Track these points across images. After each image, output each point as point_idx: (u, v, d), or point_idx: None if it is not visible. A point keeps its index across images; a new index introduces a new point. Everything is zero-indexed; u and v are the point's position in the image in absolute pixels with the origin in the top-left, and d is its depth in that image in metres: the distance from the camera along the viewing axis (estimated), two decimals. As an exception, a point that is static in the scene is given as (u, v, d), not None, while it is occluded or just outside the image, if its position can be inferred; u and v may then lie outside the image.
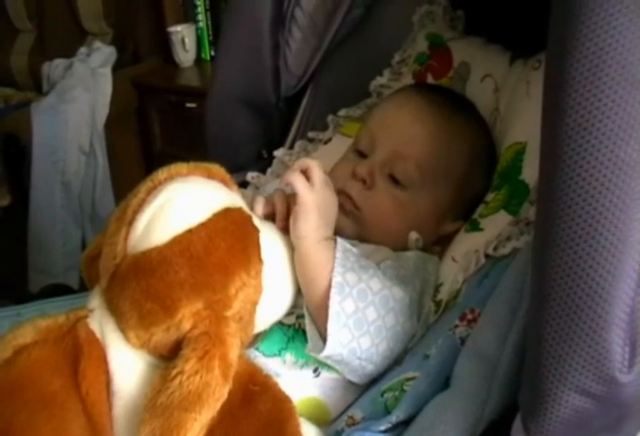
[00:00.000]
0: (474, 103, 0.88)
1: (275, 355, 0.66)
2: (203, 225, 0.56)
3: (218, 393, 0.52)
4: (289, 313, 0.67)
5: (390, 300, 0.64)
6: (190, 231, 0.56)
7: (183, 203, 0.57)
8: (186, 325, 0.55)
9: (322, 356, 0.61)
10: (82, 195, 1.81)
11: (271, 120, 1.02)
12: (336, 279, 0.62)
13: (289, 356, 0.66)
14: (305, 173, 0.66)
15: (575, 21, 0.45)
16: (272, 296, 0.62)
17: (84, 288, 0.96)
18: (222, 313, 0.57)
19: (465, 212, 0.79)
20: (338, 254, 0.63)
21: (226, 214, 0.58)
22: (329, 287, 0.61)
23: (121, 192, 1.89)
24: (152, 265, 0.55)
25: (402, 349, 0.67)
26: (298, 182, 0.64)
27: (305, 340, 0.64)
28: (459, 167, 0.79)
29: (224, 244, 0.56)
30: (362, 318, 0.62)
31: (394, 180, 0.77)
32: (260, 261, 0.60)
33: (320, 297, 0.62)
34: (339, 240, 0.65)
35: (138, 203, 0.59)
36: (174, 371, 0.52)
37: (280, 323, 0.67)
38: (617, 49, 0.44)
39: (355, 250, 0.66)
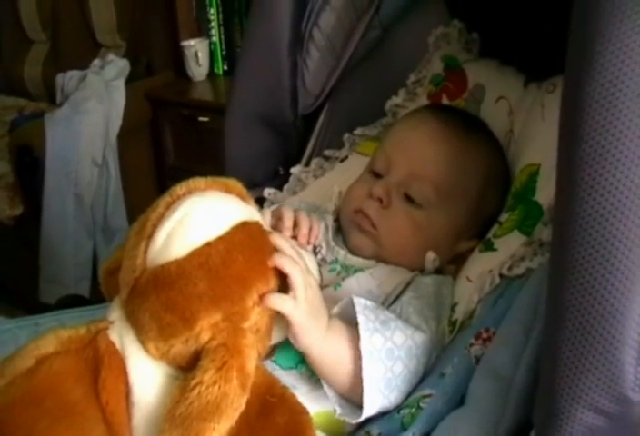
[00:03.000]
0: (488, 124, 0.90)
1: (291, 368, 0.67)
2: (221, 239, 0.57)
3: (236, 403, 0.53)
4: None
5: (413, 348, 0.66)
6: (208, 244, 0.57)
7: (201, 217, 0.58)
8: (205, 337, 0.56)
9: (355, 422, 0.63)
10: (94, 207, 1.82)
11: (288, 137, 1.04)
12: (365, 347, 0.62)
13: (305, 369, 0.68)
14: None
15: (592, 51, 0.47)
16: None
17: (95, 298, 0.98)
18: (239, 325, 0.58)
19: (479, 231, 0.81)
20: (360, 318, 0.63)
21: (244, 228, 0.59)
22: (354, 360, 0.62)
23: (133, 204, 1.92)
24: (171, 278, 0.56)
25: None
26: (280, 303, 0.59)
27: None
28: (474, 187, 0.81)
29: (241, 257, 0.57)
30: (391, 377, 0.64)
31: (409, 199, 0.79)
32: (276, 273, 0.61)
33: (346, 377, 0.63)
34: (355, 299, 0.65)
35: (157, 218, 0.60)
36: (192, 382, 0.53)
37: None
38: (633, 78, 0.46)
39: (369, 303, 0.66)
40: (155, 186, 2.02)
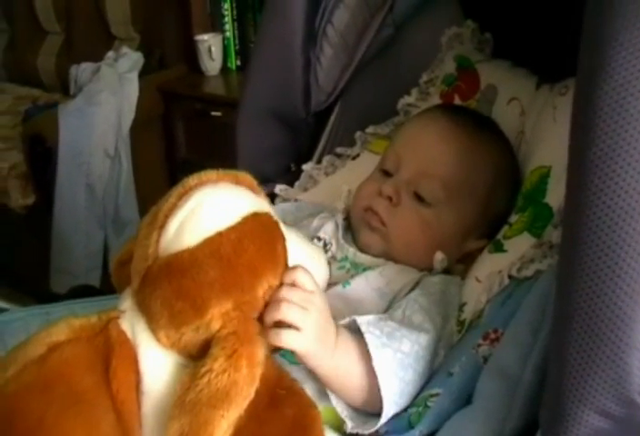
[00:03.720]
0: (500, 125, 0.89)
1: (299, 363, 0.67)
2: (232, 228, 0.58)
3: (245, 392, 0.54)
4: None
5: (420, 351, 0.66)
6: (220, 233, 0.57)
7: (213, 206, 0.59)
8: (216, 325, 0.56)
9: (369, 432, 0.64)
10: (105, 198, 1.83)
11: (300, 134, 1.04)
12: (378, 365, 0.62)
13: None
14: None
15: (605, 54, 0.47)
16: None
17: (105, 288, 0.98)
18: (250, 314, 0.58)
19: (489, 230, 0.81)
20: (367, 336, 0.63)
21: (255, 218, 0.60)
22: (365, 374, 0.63)
23: (144, 196, 1.93)
24: (183, 266, 0.57)
25: None
26: (285, 339, 0.58)
27: None
28: (483, 185, 0.81)
29: (252, 247, 0.58)
30: (404, 387, 0.64)
31: (419, 198, 0.79)
32: (286, 264, 0.61)
33: (360, 390, 0.63)
34: (358, 320, 0.65)
35: (169, 208, 0.60)
36: (202, 370, 0.53)
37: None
38: (645, 82, 0.46)
39: (371, 318, 0.67)
40: (166, 179, 2.03)
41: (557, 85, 0.85)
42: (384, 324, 0.67)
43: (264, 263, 0.59)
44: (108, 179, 1.83)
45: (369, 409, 0.64)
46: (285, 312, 0.58)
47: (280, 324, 0.59)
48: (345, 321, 0.66)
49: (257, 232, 0.59)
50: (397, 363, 0.64)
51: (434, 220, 0.79)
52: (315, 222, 0.86)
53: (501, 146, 0.85)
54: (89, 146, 1.77)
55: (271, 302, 0.59)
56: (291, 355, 0.67)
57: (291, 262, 0.63)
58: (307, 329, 0.59)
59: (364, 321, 0.65)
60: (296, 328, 0.58)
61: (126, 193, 1.87)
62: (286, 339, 0.58)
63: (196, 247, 0.57)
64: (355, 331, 0.65)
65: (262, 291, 0.59)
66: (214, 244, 0.57)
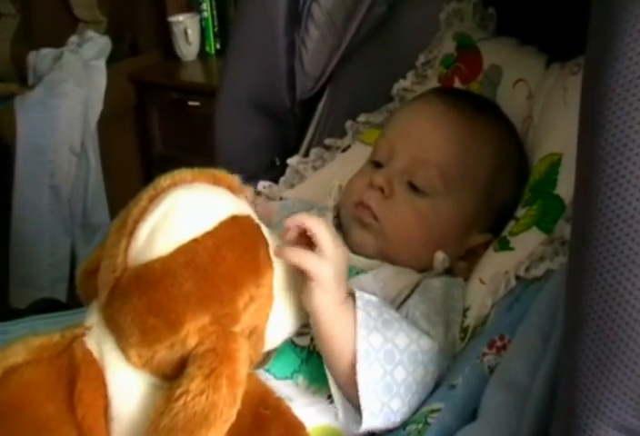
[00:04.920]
0: (505, 109, 0.90)
1: (286, 378, 0.68)
2: (209, 234, 0.58)
3: (226, 415, 0.54)
4: (303, 334, 0.69)
5: (418, 354, 0.66)
6: (195, 240, 0.57)
7: (187, 210, 0.59)
8: (192, 341, 0.57)
9: (359, 431, 0.64)
10: (72, 200, 1.83)
11: (285, 125, 1.04)
12: (361, 344, 0.63)
13: (302, 380, 0.68)
14: (304, 231, 0.64)
15: (617, 29, 0.47)
16: (282, 311, 0.64)
17: (72, 302, 0.98)
18: (230, 328, 0.58)
19: (493, 223, 0.82)
20: (360, 314, 0.64)
21: (234, 222, 0.60)
22: (354, 353, 0.63)
23: (115, 197, 1.92)
24: (155, 277, 0.57)
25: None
26: (305, 258, 0.61)
27: (320, 362, 0.66)
28: (484, 172, 0.81)
29: (231, 254, 0.58)
30: (390, 382, 0.64)
31: (413, 188, 0.80)
32: (271, 272, 0.62)
33: (346, 365, 0.64)
34: (358, 293, 0.66)
35: (140, 212, 0.60)
36: (178, 391, 0.54)
37: (293, 344, 0.69)
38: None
39: (374, 299, 0.67)
40: (140, 178, 2.03)
41: (569, 64, 0.86)
42: (385, 310, 0.67)
43: (244, 273, 0.59)
44: (75, 179, 1.83)
45: (350, 397, 0.64)
46: (319, 227, 0.61)
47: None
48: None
49: (237, 238, 0.59)
50: (385, 352, 0.64)
51: (431, 212, 0.79)
52: None
53: (503, 130, 0.86)
54: (52, 143, 1.77)
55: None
56: (277, 369, 0.68)
57: (275, 275, 0.62)
58: (332, 257, 0.62)
59: (364, 297, 0.66)
60: (322, 249, 0.61)
61: (95, 195, 1.87)
62: (305, 258, 0.61)
63: (169, 256, 0.57)
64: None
65: (242, 302, 0.59)
66: (188, 253, 0.57)
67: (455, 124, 0.81)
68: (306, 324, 0.70)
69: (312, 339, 0.69)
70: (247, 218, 0.62)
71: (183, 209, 0.59)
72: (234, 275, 0.58)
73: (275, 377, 0.68)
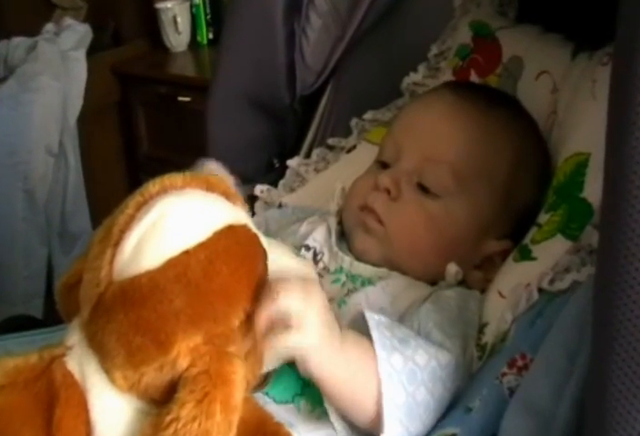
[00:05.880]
0: (526, 105, 0.90)
1: (287, 402, 0.68)
2: (202, 246, 0.58)
3: None
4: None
5: (437, 369, 0.67)
6: (187, 252, 0.58)
7: (178, 219, 0.59)
8: (183, 363, 0.57)
9: None
10: (49, 206, 1.83)
11: (284, 123, 1.05)
12: (383, 368, 0.63)
13: (304, 404, 0.69)
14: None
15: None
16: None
17: (49, 319, 0.98)
18: (224, 349, 0.59)
19: (512, 229, 0.82)
20: (375, 335, 0.64)
21: (229, 233, 0.60)
22: (375, 383, 0.63)
23: (97, 203, 1.93)
24: (142, 293, 0.57)
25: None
26: (284, 341, 0.60)
27: None
28: (501, 171, 0.82)
29: (226, 268, 0.58)
30: (412, 404, 0.65)
31: (423, 189, 0.80)
32: (269, 283, 0.62)
33: (372, 395, 0.64)
34: (367, 314, 0.66)
35: (126, 221, 0.60)
36: (167, 418, 0.54)
37: (294, 365, 0.70)
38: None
39: (383, 318, 0.68)
40: (124, 181, 2.04)
41: (597, 53, 0.86)
42: (396, 328, 0.68)
43: (239, 288, 0.60)
44: (52, 182, 1.83)
45: (374, 430, 0.65)
46: (283, 301, 0.59)
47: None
48: (352, 315, 0.67)
49: (232, 251, 0.60)
50: (407, 373, 0.65)
51: (442, 215, 0.80)
52: (304, 228, 0.87)
53: (523, 125, 0.87)
54: (27, 142, 1.78)
55: (263, 297, 0.60)
56: (277, 392, 0.68)
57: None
58: (311, 321, 0.60)
59: (374, 317, 0.66)
60: (297, 323, 0.59)
61: (75, 200, 1.88)
62: (290, 336, 0.59)
63: (158, 270, 0.57)
64: (365, 333, 0.66)
65: (238, 320, 0.59)
66: (179, 266, 0.57)
67: (469, 118, 0.82)
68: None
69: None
70: (244, 227, 0.62)
71: (173, 218, 0.59)
72: (228, 291, 0.59)
73: (275, 401, 0.68)
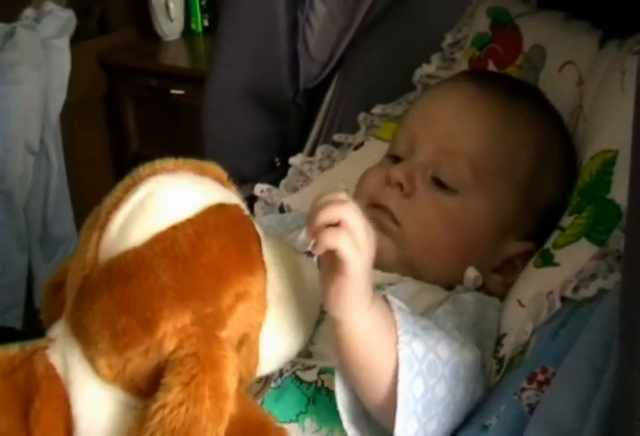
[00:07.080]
0: (550, 98, 0.91)
1: (291, 421, 0.69)
2: (190, 221, 0.59)
3: (211, 432, 0.55)
4: (309, 368, 0.71)
5: (461, 367, 0.67)
6: (174, 227, 0.59)
7: (167, 196, 0.61)
8: (169, 345, 0.58)
9: None
10: (29, 209, 1.83)
11: (286, 119, 1.06)
12: (404, 351, 0.63)
13: (309, 422, 0.69)
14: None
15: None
16: (277, 325, 0.65)
17: (29, 331, 0.99)
18: (213, 330, 0.59)
19: (534, 230, 0.83)
20: (398, 317, 0.64)
21: (220, 210, 0.61)
22: (393, 363, 0.63)
23: (82, 205, 1.92)
24: (128, 270, 0.58)
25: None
26: (343, 243, 0.59)
27: (330, 399, 0.67)
28: (523, 165, 0.83)
29: (216, 244, 0.59)
30: (431, 399, 0.65)
31: (439, 184, 0.81)
32: (263, 273, 0.63)
33: (385, 381, 0.63)
34: (389, 297, 0.66)
35: (113, 203, 0.62)
36: (154, 407, 0.55)
37: (297, 380, 0.71)
38: None
39: (404, 306, 0.67)
40: (112, 181, 2.01)
41: (628, 42, 0.87)
42: (419, 318, 0.68)
43: (230, 266, 0.60)
44: (32, 183, 1.83)
45: (381, 415, 0.65)
46: (341, 240, 0.59)
47: None
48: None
49: (223, 227, 0.61)
50: (428, 364, 0.64)
51: (460, 212, 0.81)
52: (303, 235, 0.88)
53: (547, 117, 0.88)
54: (3, 139, 1.77)
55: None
56: (281, 410, 0.69)
57: (270, 275, 0.64)
58: (362, 245, 0.60)
59: (395, 301, 0.66)
60: (348, 227, 0.59)
61: (58, 202, 1.88)
62: (346, 246, 0.59)
63: (144, 245, 0.59)
64: None
65: (228, 300, 0.60)
66: (166, 241, 0.59)
67: (488, 109, 0.83)
68: (310, 355, 0.72)
69: (319, 373, 0.70)
70: (236, 207, 0.63)
71: (162, 195, 0.61)
72: (218, 267, 0.60)
73: (278, 420, 0.68)
